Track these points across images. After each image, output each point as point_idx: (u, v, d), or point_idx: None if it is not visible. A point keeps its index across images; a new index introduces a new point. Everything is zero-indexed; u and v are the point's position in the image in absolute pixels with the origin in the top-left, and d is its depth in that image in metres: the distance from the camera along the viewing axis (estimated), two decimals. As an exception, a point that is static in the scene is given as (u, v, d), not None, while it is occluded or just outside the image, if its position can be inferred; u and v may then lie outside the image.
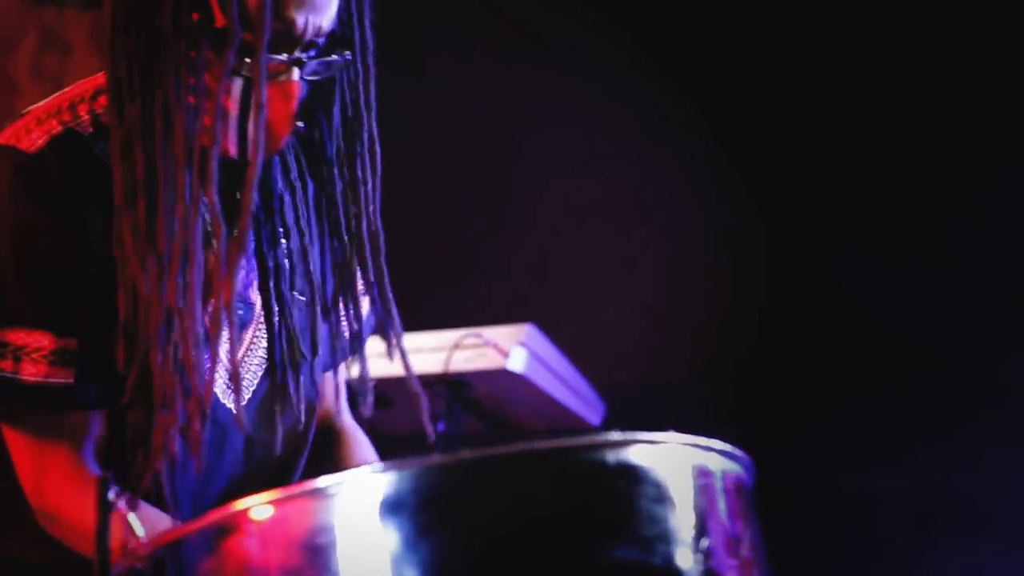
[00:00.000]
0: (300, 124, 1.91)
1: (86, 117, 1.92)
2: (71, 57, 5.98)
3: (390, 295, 2.04)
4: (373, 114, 1.98)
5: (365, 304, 2.10)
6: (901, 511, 4.53)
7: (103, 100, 1.90)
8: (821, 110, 4.67)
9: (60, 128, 1.89)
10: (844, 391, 4.58)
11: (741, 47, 4.74)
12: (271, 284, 1.98)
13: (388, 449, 4.40)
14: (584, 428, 4.29)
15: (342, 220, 1.99)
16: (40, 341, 1.84)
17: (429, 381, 4.01)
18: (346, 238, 1.99)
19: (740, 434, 4.45)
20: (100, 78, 1.93)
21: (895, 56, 4.58)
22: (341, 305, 2.01)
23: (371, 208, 2.00)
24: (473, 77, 4.99)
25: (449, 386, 4.02)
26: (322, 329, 2.02)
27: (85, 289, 1.86)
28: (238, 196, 1.87)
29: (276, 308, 1.97)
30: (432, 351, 4.02)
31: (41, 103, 1.95)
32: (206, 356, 1.84)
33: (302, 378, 1.98)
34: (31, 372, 1.84)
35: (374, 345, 4.00)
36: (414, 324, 4.08)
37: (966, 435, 4.43)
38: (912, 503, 4.51)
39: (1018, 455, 4.39)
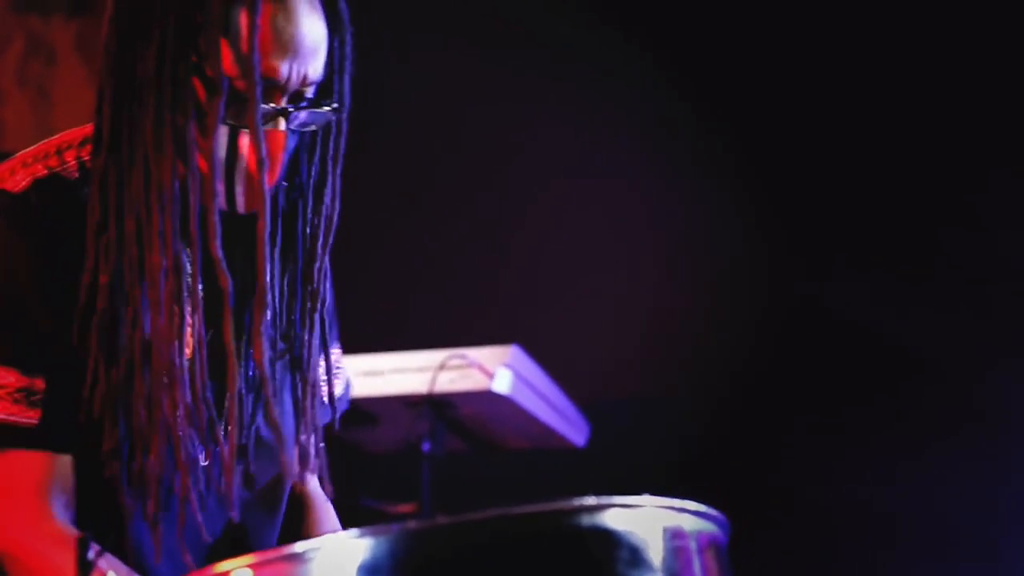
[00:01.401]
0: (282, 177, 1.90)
1: (72, 163, 1.92)
2: (56, 65, 5.97)
3: (326, 354, 2.01)
4: (339, 169, 1.97)
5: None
6: (886, 524, 4.55)
7: (91, 147, 1.91)
8: (812, 127, 4.68)
9: (45, 172, 1.90)
10: (830, 405, 4.59)
11: (736, 63, 4.75)
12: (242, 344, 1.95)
13: (373, 467, 4.43)
14: (568, 449, 4.30)
15: (298, 276, 1.97)
16: (5, 378, 1.84)
17: (414, 401, 4.01)
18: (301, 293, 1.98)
19: (725, 451, 4.53)
20: (88, 128, 1.94)
21: (889, 68, 4.59)
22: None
23: (316, 265, 1.97)
24: (459, 93, 4.99)
25: (434, 406, 4.01)
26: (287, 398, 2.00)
27: (59, 330, 1.84)
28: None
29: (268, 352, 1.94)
30: (417, 371, 4.01)
31: (31, 148, 1.95)
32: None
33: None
34: None
35: (359, 363, 4.00)
36: (400, 344, 4.11)
37: (946, 448, 4.45)
38: (897, 516, 4.52)
39: (995, 468, 4.41)
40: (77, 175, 1.91)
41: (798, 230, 4.70)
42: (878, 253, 4.61)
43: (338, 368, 2.18)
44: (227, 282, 1.85)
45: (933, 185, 4.56)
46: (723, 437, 4.65)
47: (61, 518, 1.86)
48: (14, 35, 5.86)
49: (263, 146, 1.81)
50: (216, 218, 1.83)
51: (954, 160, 4.54)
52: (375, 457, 4.34)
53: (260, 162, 1.82)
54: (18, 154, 1.94)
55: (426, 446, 4.03)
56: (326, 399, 2.11)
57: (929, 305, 4.55)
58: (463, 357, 4.01)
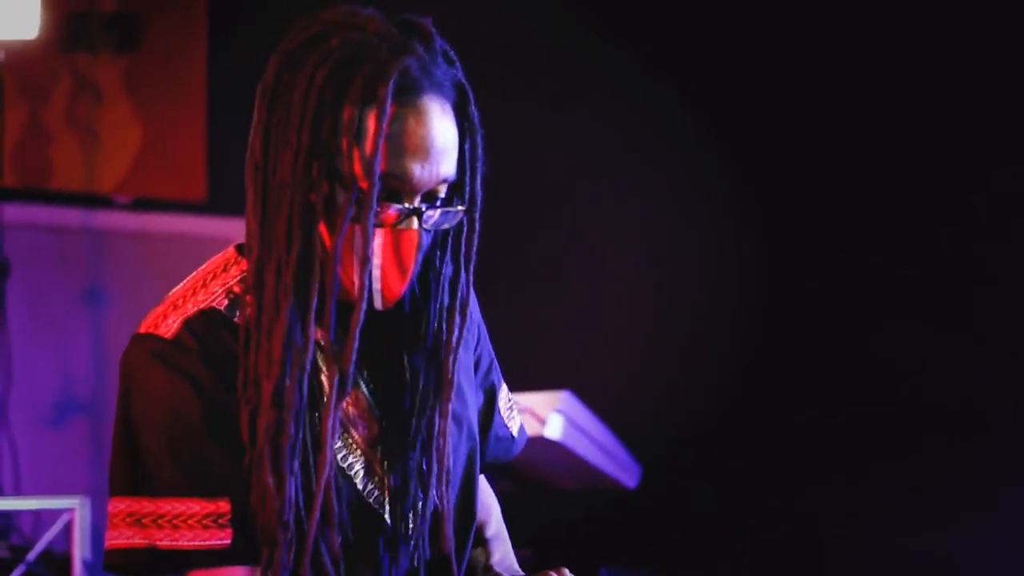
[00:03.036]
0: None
1: (219, 291, 1.97)
2: (103, 103, 6.04)
3: (444, 446, 2.04)
4: (471, 265, 2.04)
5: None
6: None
7: (234, 271, 1.98)
8: (838, 166, 4.74)
9: (195, 310, 1.96)
10: (876, 454, 4.63)
11: (760, 106, 4.82)
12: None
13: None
14: (620, 489, 4.34)
15: (430, 370, 2.03)
16: (192, 508, 1.91)
17: (467, 446, 4.05)
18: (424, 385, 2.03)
19: (773, 489, 4.56)
20: (228, 252, 2.01)
21: (892, 80, 4.65)
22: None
23: (450, 358, 2.02)
24: (508, 137, 5.03)
25: (487, 451, 4.06)
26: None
27: (229, 453, 1.91)
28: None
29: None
30: (470, 416, 4.06)
31: (177, 288, 2.00)
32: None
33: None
34: (189, 538, 1.91)
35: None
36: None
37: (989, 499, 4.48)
38: (936, 567, 4.54)
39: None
40: (227, 302, 1.97)
41: (845, 278, 4.74)
42: (920, 301, 4.64)
43: (510, 407, 2.29)
44: (332, 378, 1.92)
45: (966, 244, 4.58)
46: (772, 476, 4.68)
47: None
48: (61, 75, 5.92)
49: (371, 245, 1.87)
50: (331, 310, 1.90)
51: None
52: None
53: (364, 260, 1.87)
54: (168, 297, 2.00)
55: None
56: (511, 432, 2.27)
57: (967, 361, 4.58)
58: (515, 403, 4.04)
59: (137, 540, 1.93)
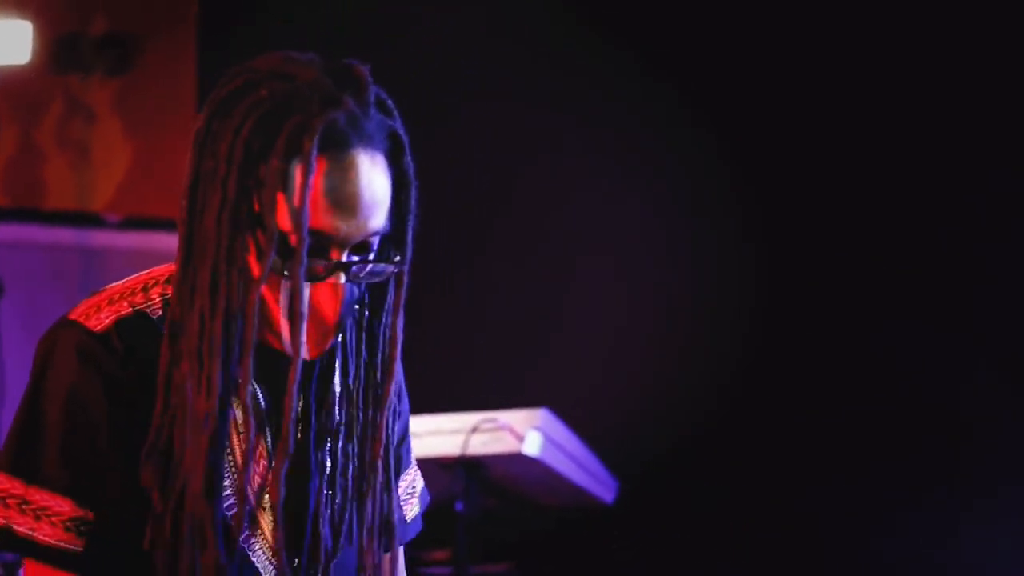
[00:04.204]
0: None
1: (157, 300, 1.97)
2: (95, 124, 6.09)
3: (392, 497, 2.04)
4: (399, 318, 2.00)
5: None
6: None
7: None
8: (850, 178, 4.74)
9: (129, 310, 1.95)
10: (869, 464, 4.66)
11: (766, 118, 4.83)
12: (313, 482, 2.02)
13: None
14: (597, 506, 4.42)
15: (358, 422, 2.02)
16: (61, 506, 1.92)
17: (448, 463, 4.15)
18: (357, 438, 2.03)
19: (751, 506, 4.59)
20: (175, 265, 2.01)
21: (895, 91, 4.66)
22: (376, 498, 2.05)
23: (381, 414, 2.01)
24: (492, 155, 5.09)
25: (466, 468, 4.14)
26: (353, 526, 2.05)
27: (119, 465, 1.93)
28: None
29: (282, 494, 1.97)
30: (450, 434, 4.14)
31: (118, 283, 2.00)
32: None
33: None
34: (47, 533, 1.92)
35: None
36: (434, 407, 4.23)
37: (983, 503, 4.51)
38: (936, 568, 4.57)
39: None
40: (161, 312, 1.96)
41: (837, 283, 4.76)
42: (919, 301, 4.65)
43: (411, 491, 2.20)
44: (250, 429, 1.94)
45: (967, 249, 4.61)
46: (767, 479, 4.73)
47: None
48: (54, 96, 5.96)
49: (304, 301, 1.86)
50: (249, 363, 1.89)
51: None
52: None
53: (297, 315, 1.87)
54: (106, 289, 1.99)
55: (459, 506, 4.16)
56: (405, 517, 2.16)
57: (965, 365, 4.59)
58: (494, 420, 4.14)
59: None
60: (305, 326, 1.89)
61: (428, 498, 2.24)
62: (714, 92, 4.89)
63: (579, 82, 5.10)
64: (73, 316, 1.95)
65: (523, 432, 4.12)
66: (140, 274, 2.02)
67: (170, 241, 5.97)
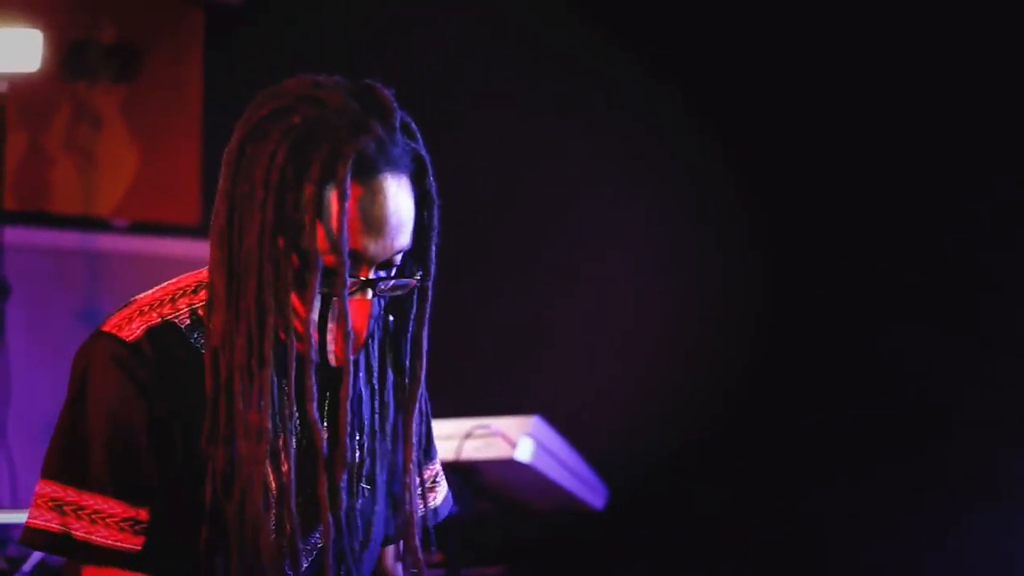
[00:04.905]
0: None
1: (185, 310, 2.07)
2: (102, 129, 6.15)
3: (416, 494, 2.15)
4: (424, 330, 2.11)
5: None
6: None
7: (203, 294, 2.07)
8: (847, 186, 4.78)
9: (159, 320, 2.06)
10: (851, 469, 4.71)
11: (775, 129, 4.87)
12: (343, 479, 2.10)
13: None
14: (588, 511, 4.50)
15: (389, 421, 2.13)
16: (113, 508, 2.02)
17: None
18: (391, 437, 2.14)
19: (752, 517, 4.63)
20: (203, 273, 2.10)
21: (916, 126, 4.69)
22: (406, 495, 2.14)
23: (409, 409, 2.12)
24: (495, 162, 5.15)
25: (460, 473, 4.23)
26: (381, 513, 2.16)
27: (161, 466, 2.03)
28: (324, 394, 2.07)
29: (345, 501, 2.09)
30: (445, 439, 4.22)
31: (146, 294, 2.10)
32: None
33: (361, 564, 2.13)
34: (103, 535, 2.02)
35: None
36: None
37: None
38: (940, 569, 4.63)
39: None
40: (189, 321, 2.06)
41: (831, 303, 4.80)
42: (925, 306, 4.67)
43: (436, 482, 2.34)
44: (321, 442, 2.03)
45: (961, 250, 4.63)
46: (740, 501, 4.80)
47: None
48: (62, 101, 6.01)
49: (350, 319, 1.97)
50: (312, 381, 1.99)
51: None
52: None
53: (346, 334, 1.97)
54: (136, 300, 2.09)
55: (453, 509, 4.24)
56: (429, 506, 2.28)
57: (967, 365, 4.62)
58: (488, 427, 4.22)
59: (54, 525, 2.02)
60: (331, 337, 2.00)
61: (451, 505, 2.38)
62: (718, 99, 4.94)
63: (582, 90, 5.15)
64: (107, 328, 2.05)
65: (516, 438, 4.20)
66: (167, 285, 2.11)
67: (174, 246, 6.03)
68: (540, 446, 4.25)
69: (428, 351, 2.12)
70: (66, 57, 5.98)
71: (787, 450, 4.80)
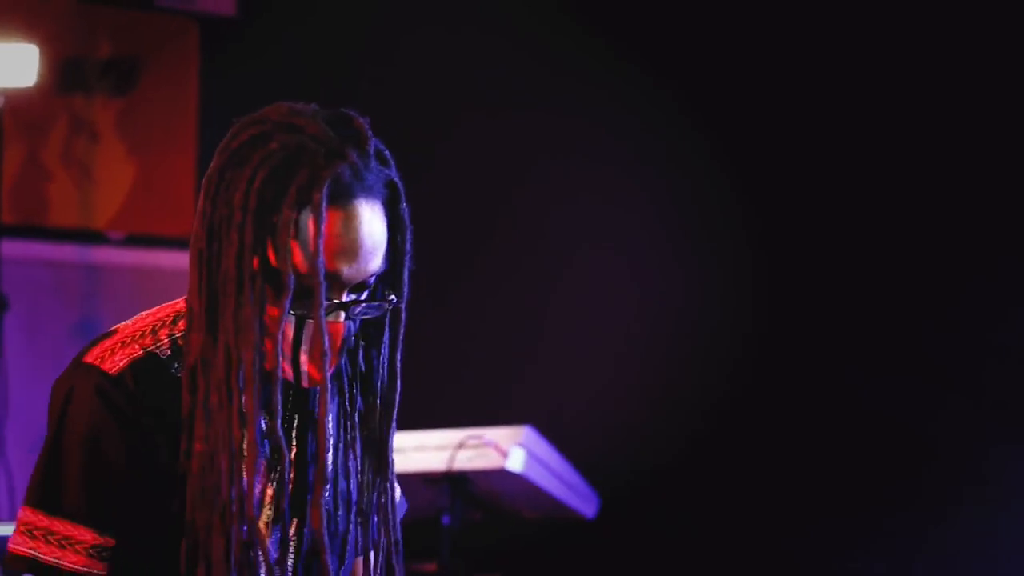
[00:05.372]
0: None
1: (165, 341, 2.12)
2: (98, 143, 6.18)
3: (393, 517, 2.19)
4: (398, 352, 2.15)
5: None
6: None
7: (182, 324, 2.12)
8: (833, 214, 4.83)
9: (141, 352, 2.11)
10: (838, 485, 4.75)
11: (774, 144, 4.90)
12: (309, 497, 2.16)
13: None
14: (579, 520, 4.55)
15: (358, 438, 2.17)
16: (84, 535, 2.09)
17: (434, 478, 4.29)
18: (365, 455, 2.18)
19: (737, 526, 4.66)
20: (180, 303, 2.16)
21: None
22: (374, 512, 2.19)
23: (384, 429, 2.16)
24: (474, 186, 5.19)
25: (452, 482, 4.29)
26: (352, 530, 2.20)
27: (136, 496, 2.09)
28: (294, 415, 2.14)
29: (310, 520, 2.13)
30: (437, 449, 4.28)
31: (128, 324, 2.15)
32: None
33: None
34: (72, 560, 2.09)
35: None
36: (421, 423, 4.36)
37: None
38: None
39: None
40: (169, 352, 2.11)
41: (819, 313, 4.85)
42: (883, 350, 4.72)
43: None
44: (285, 459, 2.08)
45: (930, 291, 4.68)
46: (728, 509, 4.85)
47: None
48: (58, 115, 6.03)
49: (326, 339, 2.01)
50: (278, 398, 2.05)
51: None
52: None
53: (323, 354, 2.01)
54: (117, 331, 2.14)
55: (445, 519, 4.29)
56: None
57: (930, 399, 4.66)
58: (479, 437, 4.28)
59: (24, 549, 2.10)
60: (305, 358, 2.05)
61: (405, 505, 2.36)
62: (713, 104, 4.97)
63: (569, 105, 5.18)
64: (88, 359, 2.11)
65: (507, 448, 4.26)
66: (147, 315, 2.17)
67: (170, 258, 6.05)
68: (531, 456, 4.30)
69: (402, 374, 2.16)
70: (62, 71, 6.01)
71: (777, 459, 4.85)
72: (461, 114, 5.30)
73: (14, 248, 5.79)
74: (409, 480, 4.27)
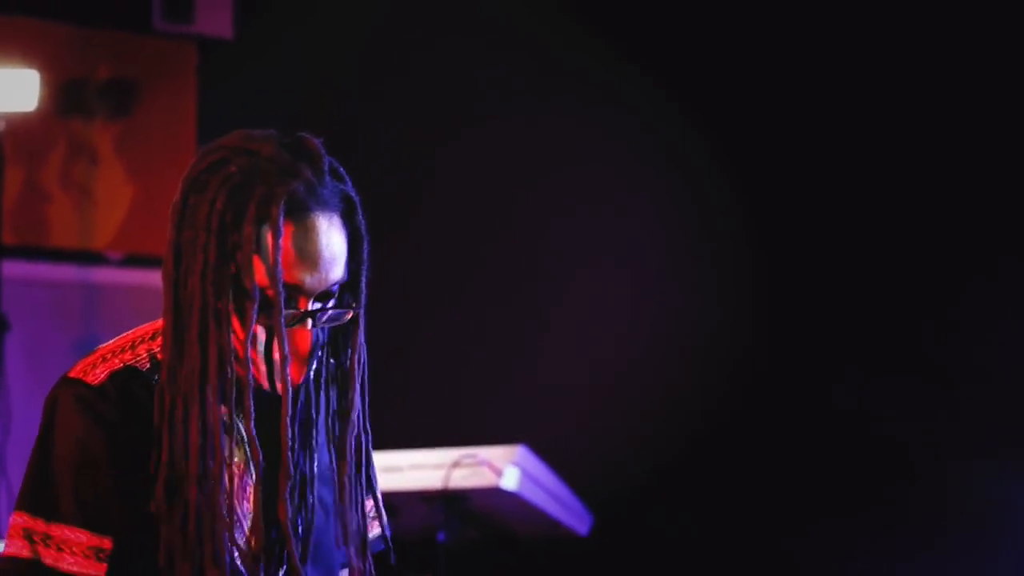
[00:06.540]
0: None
1: (144, 355, 2.23)
2: (97, 165, 6.24)
3: (374, 501, 2.29)
4: (360, 356, 2.25)
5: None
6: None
7: (160, 340, 2.21)
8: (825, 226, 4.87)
9: (120, 365, 2.21)
10: (829, 502, 4.79)
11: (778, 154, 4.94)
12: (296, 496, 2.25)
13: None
14: (572, 537, 4.61)
15: (334, 439, 2.27)
16: (79, 537, 2.18)
17: (430, 496, 4.35)
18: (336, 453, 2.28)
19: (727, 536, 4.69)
20: (159, 322, 2.24)
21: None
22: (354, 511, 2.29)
23: (355, 431, 2.25)
24: (473, 201, 5.24)
25: (448, 501, 4.35)
26: (331, 532, 2.28)
27: (124, 498, 2.18)
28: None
29: (300, 520, 2.24)
30: (433, 468, 4.34)
31: (108, 343, 2.25)
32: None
33: None
34: (70, 562, 2.18)
35: (379, 460, 4.34)
36: (417, 442, 4.43)
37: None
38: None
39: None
40: (148, 365, 2.22)
41: (819, 313, 4.89)
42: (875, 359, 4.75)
43: (371, 517, 2.40)
44: (259, 459, 2.18)
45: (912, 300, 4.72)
46: (721, 526, 4.90)
47: None
48: (58, 138, 6.10)
49: (286, 345, 2.12)
50: (251, 402, 2.15)
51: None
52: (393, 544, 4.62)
53: (283, 358, 2.13)
54: (99, 349, 2.24)
55: (440, 536, 4.36)
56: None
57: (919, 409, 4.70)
58: (474, 456, 4.35)
59: (25, 552, 2.18)
60: (288, 364, 2.15)
61: (389, 532, 2.44)
62: (714, 108, 4.99)
63: (569, 106, 5.21)
64: (72, 375, 2.20)
65: (502, 467, 4.32)
66: (127, 334, 2.27)
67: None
68: (526, 474, 4.37)
69: (367, 375, 2.26)
70: (62, 95, 6.07)
71: (770, 478, 4.90)
72: (460, 117, 5.33)
73: (15, 269, 5.85)
74: (405, 498, 4.35)
